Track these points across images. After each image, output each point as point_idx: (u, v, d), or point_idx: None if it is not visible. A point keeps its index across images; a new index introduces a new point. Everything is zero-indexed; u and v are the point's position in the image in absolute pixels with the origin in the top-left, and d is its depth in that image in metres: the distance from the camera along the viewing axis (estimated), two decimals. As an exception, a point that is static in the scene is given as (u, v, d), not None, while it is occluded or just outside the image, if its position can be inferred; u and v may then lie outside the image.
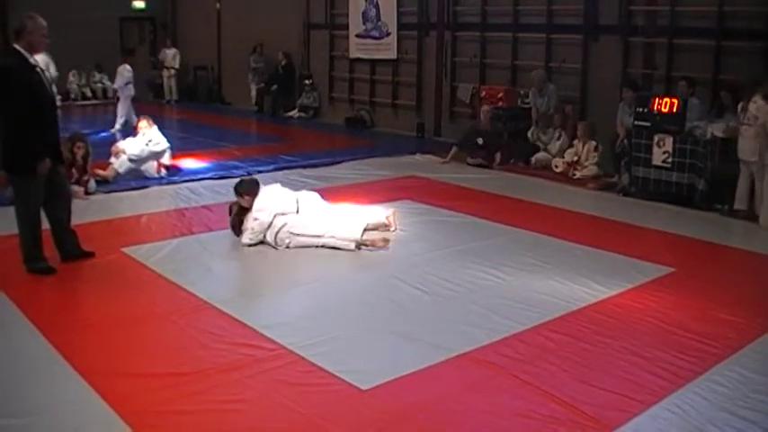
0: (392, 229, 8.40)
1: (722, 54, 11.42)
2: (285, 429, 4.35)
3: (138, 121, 11.79)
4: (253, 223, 7.78)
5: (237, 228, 7.98)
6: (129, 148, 11.10)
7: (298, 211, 7.95)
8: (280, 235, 7.74)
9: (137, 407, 4.54)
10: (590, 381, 4.95)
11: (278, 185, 8.33)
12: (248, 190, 7.97)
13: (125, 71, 16.92)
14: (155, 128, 11.55)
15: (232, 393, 4.73)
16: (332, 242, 7.75)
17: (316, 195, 8.54)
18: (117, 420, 4.39)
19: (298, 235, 7.76)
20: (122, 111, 16.66)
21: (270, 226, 7.76)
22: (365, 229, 7.98)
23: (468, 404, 4.66)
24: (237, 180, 8.21)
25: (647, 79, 12.26)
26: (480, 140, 12.75)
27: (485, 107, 13.14)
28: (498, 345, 5.48)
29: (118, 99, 17.30)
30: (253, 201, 7.87)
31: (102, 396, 4.65)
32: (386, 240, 7.95)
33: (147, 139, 11.23)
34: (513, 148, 12.95)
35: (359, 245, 7.73)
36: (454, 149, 13.06)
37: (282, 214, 7.83)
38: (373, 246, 7.77)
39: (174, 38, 23.62)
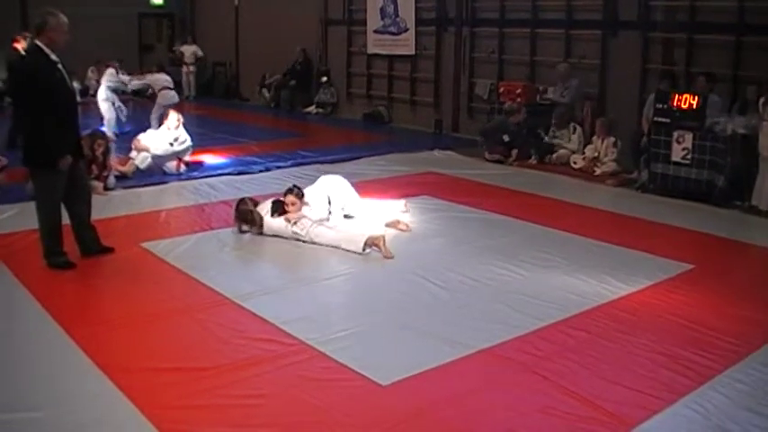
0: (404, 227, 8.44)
1: (742, 50, 11.35)
2: (305, 424, 4.35)
3: (168, 113, 11.63)
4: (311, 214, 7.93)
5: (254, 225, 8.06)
6: (154, 147, 11.04)
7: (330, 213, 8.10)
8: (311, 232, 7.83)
9: (156, 401, 4.56)
10: (610, 378, 4.94)
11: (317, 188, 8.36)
12: (298, 193, 8.01)
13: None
14: (181, 126, 11.49)
15: (252, 388, 4.74)
16: (345, 243, 7.72)
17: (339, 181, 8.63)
18: (136, 414, 4.41)
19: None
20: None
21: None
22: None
23: (488, 400, 4.66)
24: (291, 187, 8.13)
25: (667, 75, 12.17)
26: (506, 137, 12.70)
27: (515, 104, 13.08)
28: (518, 341, 5.47)
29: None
30: (300, 201, 7.96)
31: (122, 390, 4.68)
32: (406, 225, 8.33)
33: (173, 138, 11.17)
34: (531, 145, 12.87)
35: (366, 246, 7.59)
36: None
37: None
38: (376, 246, 7.58)
39: (193, 34, 23.67)
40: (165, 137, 11.17)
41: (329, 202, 8.19)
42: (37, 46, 6.72)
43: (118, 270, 7.02)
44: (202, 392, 4.68)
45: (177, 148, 11.18)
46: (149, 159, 11.01)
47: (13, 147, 10.89)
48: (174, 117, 11.41)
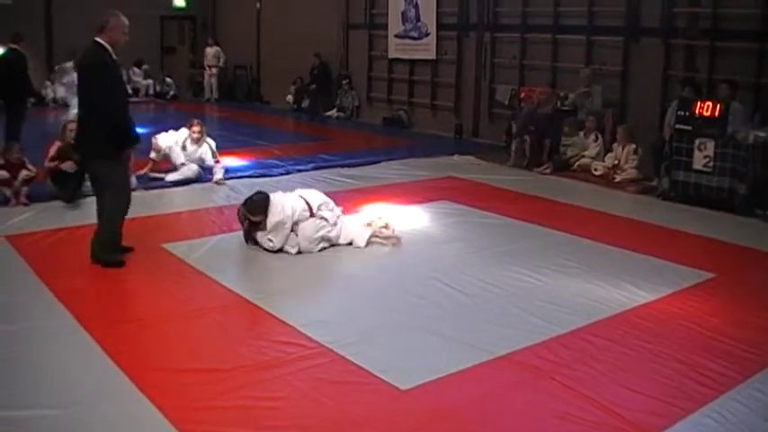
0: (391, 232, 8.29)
1: (766, 57, 11.28)
2: (323, 427, 4.36)
3: (192, 125, 11.14)
4: (270, 243, 7.62)
5: (252, 239, 7.83)
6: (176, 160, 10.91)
7: (312, 215, 7.79)
8: (303, 245, 7.68)
9: (175, 402, 4.58)
10: (630, 385, 4.92)
11: (280, 194, 7.94)
12: (258, 209, 7.64)
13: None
14: (205, 144, 11.09)
15: (271, 390, 4.76)
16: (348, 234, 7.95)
17: (319, 194, 8.22)
18: (156, 414, 4.43)
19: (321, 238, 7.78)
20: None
21: (287, 238, 7.66)
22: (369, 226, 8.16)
23: (507, 406, 4.66)
24: (246, 199, 7.85)
25: (690, 83, 12.09)
26: (532, 128, 12.77)
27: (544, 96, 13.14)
28: (538, 347, 5.47)
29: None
30: (264, 217, 7.62)
31: (142, 390, 4.70)
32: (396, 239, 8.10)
33: (198, 155, 10.95)
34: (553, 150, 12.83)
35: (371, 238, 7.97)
36: (516, 144, 13.09)
37: (296, 223, 7.70)
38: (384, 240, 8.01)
39: (215, 37, 23.76)
40: (190, 152, 10.96)
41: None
42: (99, 43, 6.85)
43: (139, 270, 7.05)
44: (221, 394, 4.70)
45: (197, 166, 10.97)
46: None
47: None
48: (197, 129, 11.04)
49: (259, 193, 7.87)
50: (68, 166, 9.20)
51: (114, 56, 6.92)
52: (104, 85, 6.87)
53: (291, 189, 8.24)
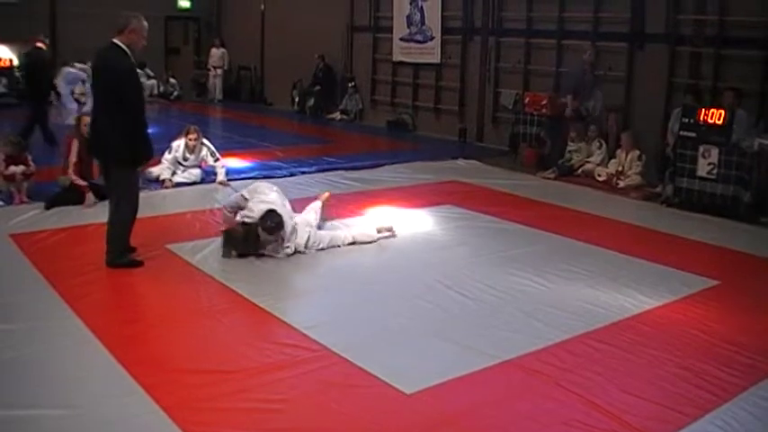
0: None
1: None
2: (327, 431, 4.37)
3: (189, 132, 10.94)
4: (288, 250, 7.60)
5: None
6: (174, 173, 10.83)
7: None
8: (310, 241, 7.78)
9: (180, 402, 4.58)
10: (634, 391, 4.91)
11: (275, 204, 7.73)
12: (280, 227, 7.46)
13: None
14: (203, 147, 10.96)
15: (275, 393, 4.75)
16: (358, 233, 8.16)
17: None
18: (161, 415, 4.43)
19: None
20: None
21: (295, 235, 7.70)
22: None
23: (512, 411, 4.66)
24: (268, 223, 7.40)
25: (691, 90, 12.06)
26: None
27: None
28: (542, 352, 5.47)
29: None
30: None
31: (146, 390, 4.70)
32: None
33: (199, 160, 10.91)
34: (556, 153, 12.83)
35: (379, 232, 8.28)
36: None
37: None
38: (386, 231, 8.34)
39: (220, 38, 23.77)
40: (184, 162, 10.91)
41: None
42: (119, 46, 6.78)
43: (143, 271, 7.04)
44: (226, 395, 4.70)
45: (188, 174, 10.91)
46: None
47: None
48: (193, 134, 10.90)
49: (270, 213, 7.49)
50: (90, 203, 9.07)
51: (133, 59, 6.87)
52: (136, 91, 6.89)
53: (292, 190, 8.24)
